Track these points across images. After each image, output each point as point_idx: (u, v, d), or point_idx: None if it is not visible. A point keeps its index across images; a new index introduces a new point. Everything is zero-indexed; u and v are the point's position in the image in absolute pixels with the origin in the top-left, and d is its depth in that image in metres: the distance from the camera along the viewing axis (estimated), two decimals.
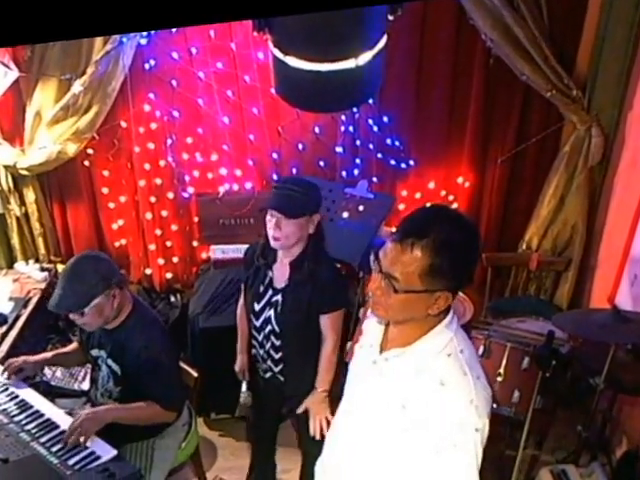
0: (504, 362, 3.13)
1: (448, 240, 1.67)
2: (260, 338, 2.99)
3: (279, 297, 2.88)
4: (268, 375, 3.09)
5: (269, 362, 3.03)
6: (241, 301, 3.19)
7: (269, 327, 2.93)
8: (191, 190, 4.48)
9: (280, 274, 2.90)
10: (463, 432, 1.73)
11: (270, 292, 2.91)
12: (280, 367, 3.01)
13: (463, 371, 1.76)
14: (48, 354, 3.16)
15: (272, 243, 2.78)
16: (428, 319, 1.80)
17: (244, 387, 3.22)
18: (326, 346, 2.93)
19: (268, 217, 2.75)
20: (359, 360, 2.06)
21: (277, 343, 2.95)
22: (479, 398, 1.74)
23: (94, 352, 2.96)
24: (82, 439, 2.59)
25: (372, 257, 1.78)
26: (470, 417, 1.73)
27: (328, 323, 2.90)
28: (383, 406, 1.87)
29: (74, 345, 3.20)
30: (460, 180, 4.48)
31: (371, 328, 2.01)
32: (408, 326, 1.83)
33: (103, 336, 2.90)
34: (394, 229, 1.81)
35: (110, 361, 2.88)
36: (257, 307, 2.95)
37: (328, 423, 2.79)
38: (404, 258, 1.68)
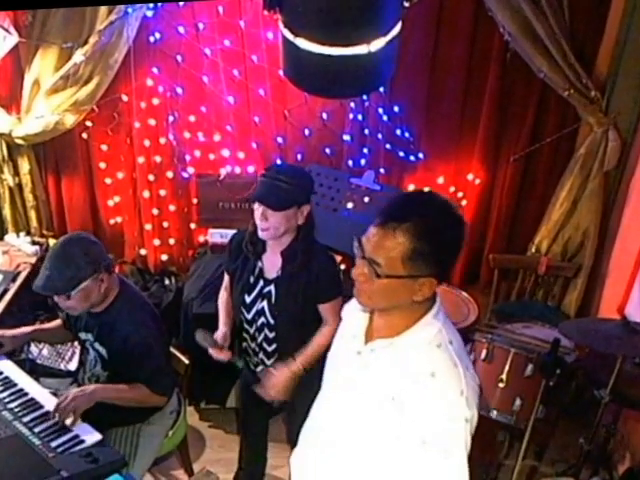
0: (507, 368, 3.12)
1: (430, 224, 1.68)
2: (252, 331, 2.97)
3: (271, 288, 2.86)
4: (259, 369, 3.05)
5: (261, 355, 3.00)
6: (223, 286, 3.16)
7: (262, 319, 2.91)
8: (191, 170, 4.45)
9: (271, 264, 2.87)
10: (453, 423, 1.74)
11: (261, 283, 2.89)
12: (272, 360, 2.99)
13: (453, 362, 1.77)
14: (27, 329, 3.12)
15: (260, 234, 2.77)
16: (414, 308, 1.80)
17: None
18: (325, 328, 2.87)
19: (256, 206, 2.74)
20: (340, 350, 2.05)
21: (270, 335, 2.92)
22: (469, 389, 1.76)
23: (82, 335, 2.94)
24: (71, 417, 2.59)
25: (355, 243, 1.78)
26: (460, 408, 1.74)
27: (328, 310, 2.87)
28: (370, 398, 1.86)
29: (57, 322, 3.17)
30: (470, 177, 4.45)
31: (353, 317, 2.00)
32: (394, 315, 1.83)
33: (90, 319, 2.88)
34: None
35: (97, 345, 2.86)
36: (248, 299, 2.92)
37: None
38: (386, 243, 1.69)
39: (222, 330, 3.03)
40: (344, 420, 1.96)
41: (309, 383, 2.93)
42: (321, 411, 2.12)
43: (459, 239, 1.77)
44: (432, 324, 1.81)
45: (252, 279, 2.91)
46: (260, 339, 2.96)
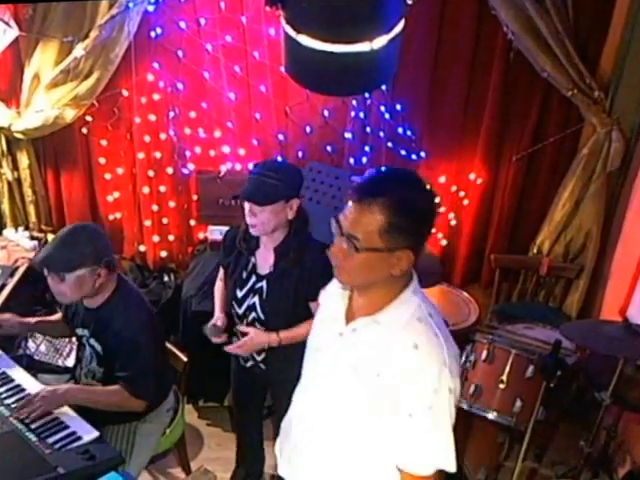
0: (507, 369, 3.11)
1: (405, 197, 1.76)
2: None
3: (263, 284, 2.87)
4: (249, 364, 3.06)
5: None
6: (219, 277, 3.18)
7: (253, 314, 2.91)
8: (191, 166, 4.45)
9: (263, 260, 2.89)
10: (438, 394, 1.81)
11: (253, 279, 2.90)
12: (263, 355, 3.00)
13: (434, 333, 1.84)
14: (32, 319, 3.12)
15: (250, 230, 2.79)
16: (392, 284, 1.87)
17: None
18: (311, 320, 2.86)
19: (245, 203, 2.76)
20: (321, 333, 2.10)
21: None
22: (451, 359, 1.83)
23: (79, 331, 2.92)
24: (33, 415, 2.57)
25: (332, 222, 1.85)
26: (444, 378, 1.81)
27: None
28: (353, 377, 1.92)
29: (59, 315, 3.16)
30: (472, 176, 4.44)
31: (331, 302, 2.06)
32: (374, 293, 1.89)
33: (86, 315, 2.87)
34: None
35: (93, 340, 2.85)
36: (240, 294, 2.93)
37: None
38: (363, 218, 1.76)
39: (220, 316, 3.03)
40: (327, 403, 2.02)
41: (292, 379, 2.92)
42: (302, 397, 2.18)
43: (432, 210, 1.86)
44: (411, 299, 1.88)
45: (245, 274, 2.92)
46: None
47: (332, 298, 2.07)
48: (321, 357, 2.07)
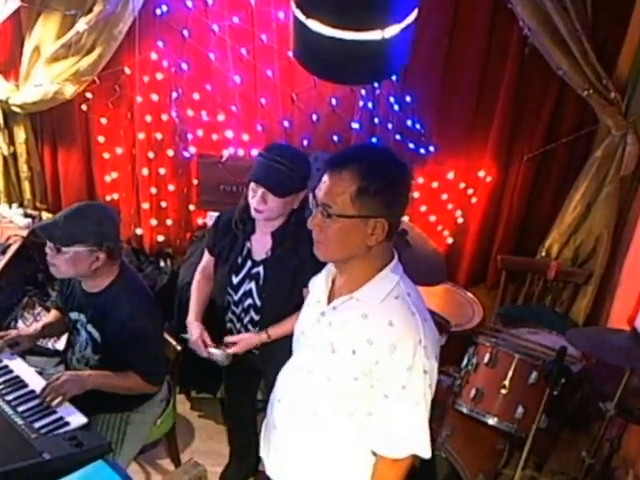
0: (510, 374, 3.09)
1: (373, 165, 1.85)
2: (238, 311, 2.99)
3: (260, 269, 2.89)
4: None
5: None
6: (200, 267, 3.17)
7: (249, 300, 2.93)
8: (193, 150, 4.42)
9: (260, 245, 2.89)
10: (411, 372, 1.88)
11: (249, 264, 2.91)
12: None
13: (411, 311, 1.90)
14: (38, 325, 3.09)
15: (253, 214, 2.80)
16: (371, 261, 1.94)
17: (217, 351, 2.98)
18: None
19: (253, 186, 2.76)
20: (306, 317, 2.18)
21: (256, 318, 2.95)
22: (427, 338, 1.89)
23: (73, 315, 2.91)
24: (58, 400, 2.56)
25: (310, 197, 1.97)
26: (418, 357, 1.87)
27: None
28: (331, 357, 2.00)
29: (55, 312, 3.14)
30: (482, 174, 4.40)
31: (317, 285, 2.17)
32: (353, 270, 1.96)
33: (84, 299, 2.85)
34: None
35: (90, 327, 2.83)
36: (235, 280, 2.94)
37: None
38: (335, 186, 1.85)
39: (201, 328, 2.99)
40: (305, 384, 2.10)
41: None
42: (284, 378, 2.26)
43: (403, 178, 1.92)
44: (390, 277, 1.95)
45: (240, 259, 2.93)
46: (246, 320, 2.98)
47: (317, 283, 2.17)
48: (304, 339, 2.14)
